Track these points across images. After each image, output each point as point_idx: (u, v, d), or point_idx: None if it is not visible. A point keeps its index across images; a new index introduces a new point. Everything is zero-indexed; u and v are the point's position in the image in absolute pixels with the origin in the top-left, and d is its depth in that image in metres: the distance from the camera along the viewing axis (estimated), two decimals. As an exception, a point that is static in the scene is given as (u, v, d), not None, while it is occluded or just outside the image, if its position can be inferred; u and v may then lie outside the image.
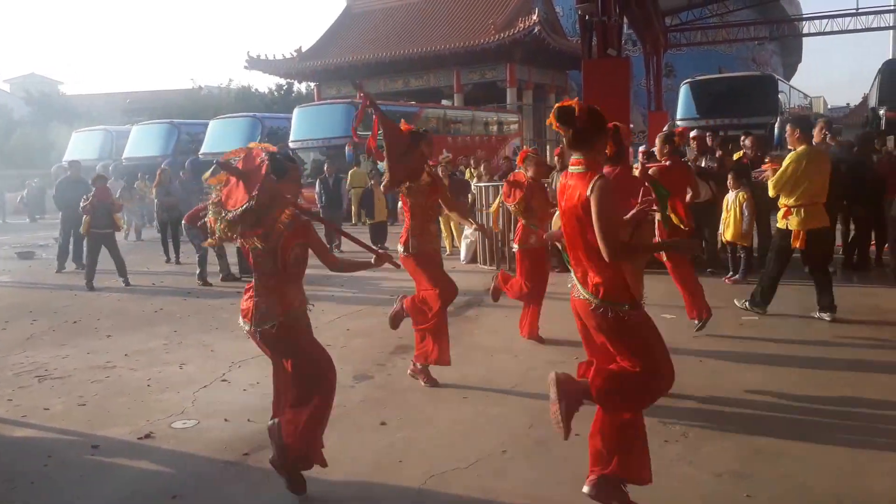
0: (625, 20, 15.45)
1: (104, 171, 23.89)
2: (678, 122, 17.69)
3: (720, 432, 4.51)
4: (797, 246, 6.98)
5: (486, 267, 11.21)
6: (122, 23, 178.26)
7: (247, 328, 3.89)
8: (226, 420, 5.10)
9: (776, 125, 16.96)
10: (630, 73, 12.79)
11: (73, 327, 8.35)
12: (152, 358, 6.85)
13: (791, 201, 6.88)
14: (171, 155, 23.85)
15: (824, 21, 28.65)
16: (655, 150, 6.62)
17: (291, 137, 21.39)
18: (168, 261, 13.61)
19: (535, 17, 29.52)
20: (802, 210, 6.86)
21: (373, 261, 4.06)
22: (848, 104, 50.58)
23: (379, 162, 19.12)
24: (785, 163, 6.87)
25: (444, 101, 32.72)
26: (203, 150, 23.43)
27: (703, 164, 9.64)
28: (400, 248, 5.58)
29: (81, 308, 9.44)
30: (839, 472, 3.93)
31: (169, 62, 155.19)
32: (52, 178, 18.72)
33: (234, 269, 11.19)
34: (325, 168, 14.68)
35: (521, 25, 29.64)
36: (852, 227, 9.96)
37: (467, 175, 15.57)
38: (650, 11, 19.86)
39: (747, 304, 7.47)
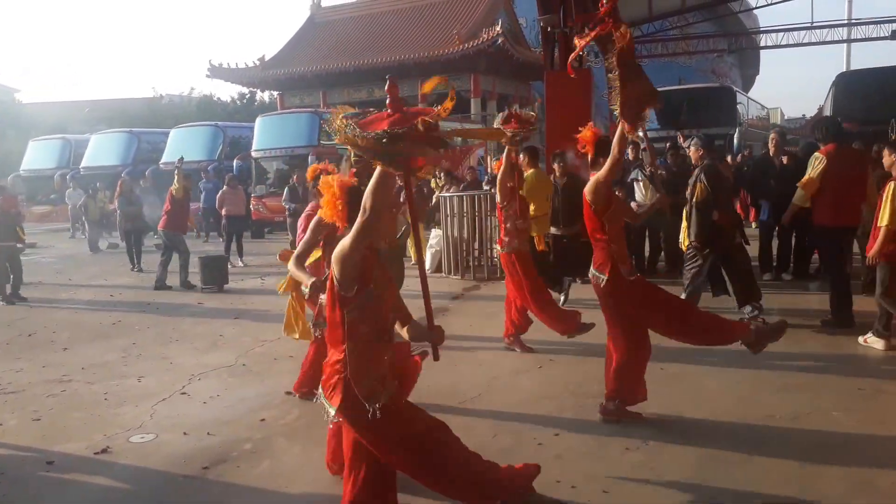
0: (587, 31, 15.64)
1: (61, 180, 23.64)
2: (639, 133, 17.91)
3: (680, 439, 4.56)
4: (540, 249, 8.28)
5: (453, 277, 11.21)
6: (82, 30, 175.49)
7: None
8: (185, 434, 5.02)
9: (735, 136, 17.31)
10: (592, 83, 12.94)
11: (28, 340, 8.17)
12: (110, 371, 6.73)
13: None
14: (130, 164, 23.44)
15: (780, 34, 29.33)
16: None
17: (254, 147, 21.18)
18: (133, 269, 13.55)
19: (498, 29, 29.73)
20: (537, 220, 8.20)
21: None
22: (804, 115, 51.73)
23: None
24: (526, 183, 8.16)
25: (408, 111, 32.74)
26: (164, 159, 23.09)
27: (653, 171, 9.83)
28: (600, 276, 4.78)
29: (37, 321, 9.23)
30: (793, 478, 4.00)
31: (129, 70, 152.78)
32: (7, 188, 18.31)
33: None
34: (295, 177, 14.65)
35: (485, 36, 29.83)
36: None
37: (432, 185, 15.56)
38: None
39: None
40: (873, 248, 6.24)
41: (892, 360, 6.03)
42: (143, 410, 5.55)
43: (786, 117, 50.49)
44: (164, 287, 11.11)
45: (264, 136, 21.23)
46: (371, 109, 2.86)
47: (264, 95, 45.71)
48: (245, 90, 45.76)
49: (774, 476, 4.01)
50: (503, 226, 6.75)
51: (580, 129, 5.03)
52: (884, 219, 6.15)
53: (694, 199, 7.27)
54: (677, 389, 5.49)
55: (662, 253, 10.66)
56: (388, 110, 2.74)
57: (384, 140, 2.60)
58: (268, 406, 5.53)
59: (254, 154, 20.99)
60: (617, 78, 4.36)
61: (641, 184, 9.36)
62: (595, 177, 4.67)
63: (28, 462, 4.72)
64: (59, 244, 19.42)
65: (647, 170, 9.59)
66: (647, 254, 10.65)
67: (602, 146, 4.83)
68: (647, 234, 10.58)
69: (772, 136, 10.15)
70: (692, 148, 7.70)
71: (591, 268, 4.84)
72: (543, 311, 6.59)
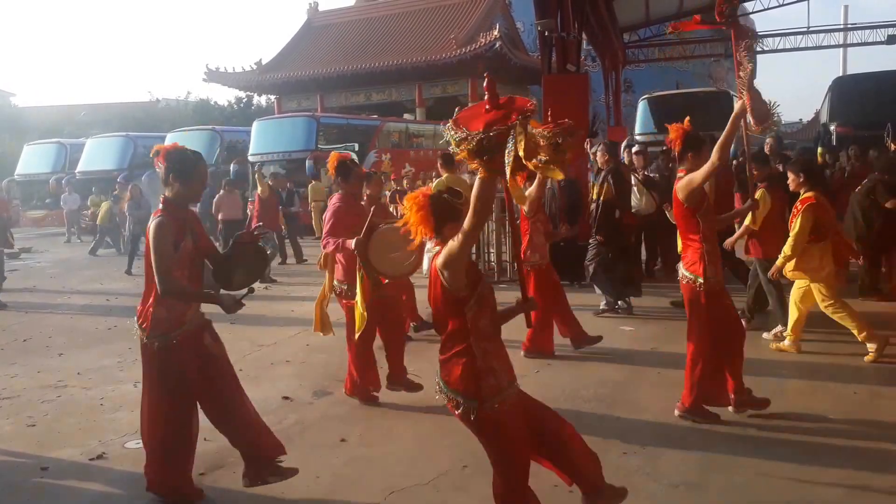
0: (584, 37, 15.66)
1: (57, 185, 23.54)
2: (636, 137, 17.92)
3: (677, 444, 4.56)
4: None
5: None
6: (78, 34, 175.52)
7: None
8: (181, 439, 4.99)
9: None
10: (589, 88, 12.96)
11: (24, 346, 8.14)
12: (105, 376, 6.70)
13: None
14: (126, 169, 23.30)
15: (777, 39, 29.36)
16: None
17: (251, 151, 21.15)
18: (129, 272, 13.54)
19: (495, 33, 29.73)
20: None
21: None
22: (801, 119, 51.80)
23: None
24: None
25: (406, 115, 32.73)
26: (160, 163, 23.03)
27: (649, 174, 9.88)
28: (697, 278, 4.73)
29: (32, 326, 9.19)
30: (790, 482, 4.01)
31: (126, 74, 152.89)
32: (2, 192, 18.28)
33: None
34: (271, 180, 14.71)
35: (482, 41, 29.83)
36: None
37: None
38: (609, 28, 20.17)
39: None
40: (731, 239, 6.86)
41: (886, 365, 6.03)
42: (139, 416, 5.52)
43: (783, 122, 50.49)
44: (268, 280, 11.41)
45: (261, 140, 21.21)
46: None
47: (261, 99, 45.62)
48: (242, 94, 45.74)
49: (773, 480, 4.01)
50: (526, 237, 6.56)
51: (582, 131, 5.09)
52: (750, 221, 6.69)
53: (600, 198, 8.04)
54: (675, 394, 5.46)
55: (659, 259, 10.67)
56: (487, 106, 2.78)
57: (484, 141, 2.63)
58: (264, 411, 5.46)
59: (251, 158, 20.95)
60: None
61: (636, 188, 9.27)
62: (689, 176, 4.65)
63: (23, 468, 4.70)
64: (54, 249, 19.36)
65: (640, 174, 9.57)
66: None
67: (691, 142, 4.83)
68: (643, 238, 10.57)
69: (768, 140, 10.16)
70: (598, 153, 8.36)
71: (682, 267, 4.87)
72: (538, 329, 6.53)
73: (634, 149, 11.03)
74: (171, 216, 3.90)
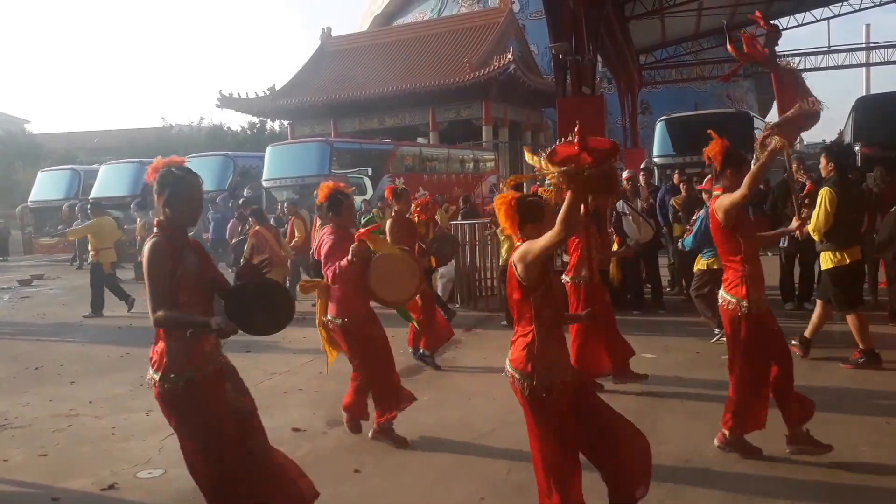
0: (599, 59, 15.64)
1: (69, 211, 23.63)
2: (654, 159, 17.78)
3: (701, 479, 4.39)
4: None
5: (465, 310, 11.07)
6: (92, 60, 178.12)
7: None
8: (193, 470, 4.88)
9: (752, 162, 17.08)
10: (604, 110, 12.90)
11: (35, 374, 8.07)
12: (117, 405, 6.61)
13: None
14: (140, 195, 23.39)
15: (797, 58, 29.20)
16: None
17: (264, 176, 21.21)
18: None
19: (509, 56, 29.84)
20: None
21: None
22: (824, 140, 51.35)
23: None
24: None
25: (419, 139, 32.82)
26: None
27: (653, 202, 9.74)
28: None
29: (44, 354, 9.13)
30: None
31: (139, 100, 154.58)
32: (16, 218, 18.35)
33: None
34: (281, 207, 14.68)
35: (497, 64, 29.94)
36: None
37: (438, 215, 15.37)
38: (624, 50, 20.18)
39: None
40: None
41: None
42: (152, 445, 5.43)
43: (805, 142, 50.08)
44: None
45: (275, 165, 21.27)
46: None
47: (275, 125, 46.02)
48: (255, 120, 46.13)
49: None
50: (574, 254, 6.33)
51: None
52: None
53: None
54: (698, 425, 5.31)
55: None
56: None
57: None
58: (277, 441, 5.33)
59: (264, 184, 21.00)
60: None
61: (631, 217, 9.00)
62: (730, 196, 4.47)
63: (34, 499, 4.63)
64: (65, 276, 19.40)
65: (634, 201, 9.37)
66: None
67: (731, 159, 4.66)
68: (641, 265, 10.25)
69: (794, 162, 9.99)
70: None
71: (722, 290, 4.64)
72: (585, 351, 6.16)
73: (624, 174, 10.74)
74: (167, 239, 3.43)
